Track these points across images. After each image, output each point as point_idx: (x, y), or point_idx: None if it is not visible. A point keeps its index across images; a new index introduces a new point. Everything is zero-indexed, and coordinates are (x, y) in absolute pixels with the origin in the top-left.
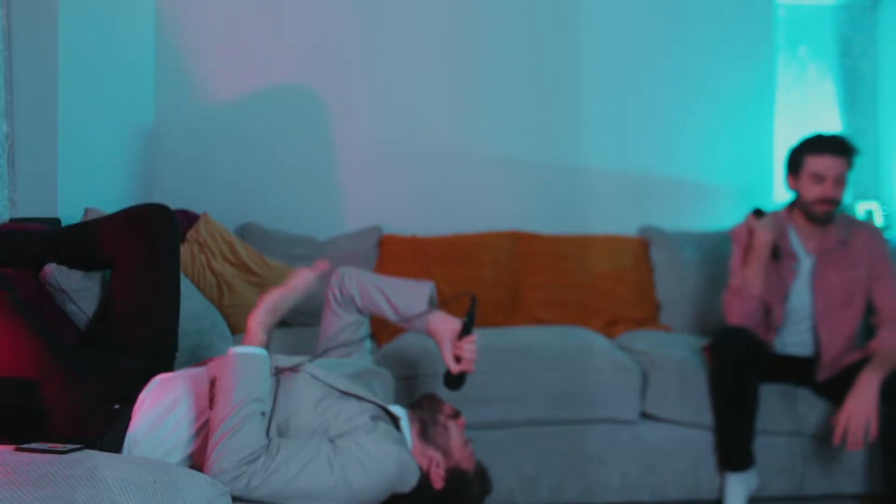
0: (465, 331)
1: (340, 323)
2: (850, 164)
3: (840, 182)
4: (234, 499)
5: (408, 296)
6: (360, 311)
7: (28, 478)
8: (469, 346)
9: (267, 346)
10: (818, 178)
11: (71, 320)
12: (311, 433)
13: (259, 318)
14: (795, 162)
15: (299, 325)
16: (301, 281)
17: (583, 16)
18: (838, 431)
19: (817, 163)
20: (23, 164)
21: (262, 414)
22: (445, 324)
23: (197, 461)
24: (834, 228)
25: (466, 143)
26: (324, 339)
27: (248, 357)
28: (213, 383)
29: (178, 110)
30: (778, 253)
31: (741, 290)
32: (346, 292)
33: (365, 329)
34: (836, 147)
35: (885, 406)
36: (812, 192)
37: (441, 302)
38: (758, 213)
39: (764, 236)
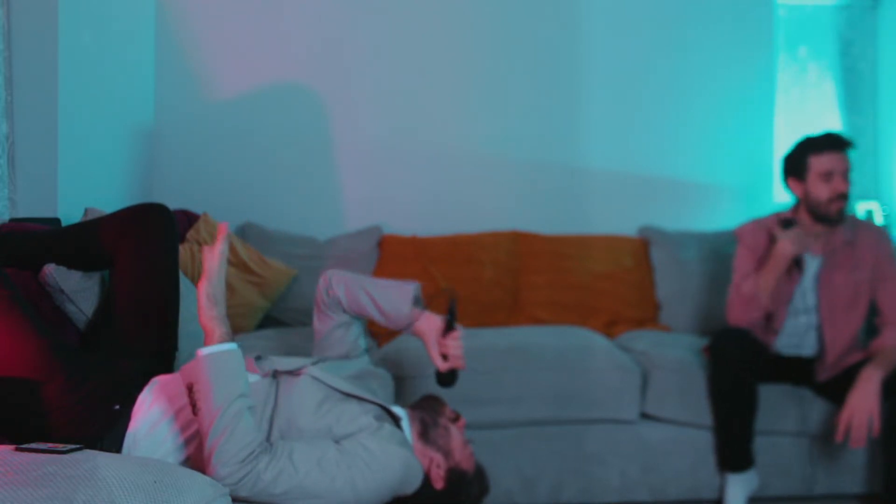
0: (449, 327)
1: (332, 322)
2: (849, 159)
3: (846, 177)
4: (239, 500)
5: (393, 297)
6: (346, 313)
7: (28, 478)
8: (454, 343)
9: (231, 338)
10: (827, 176)
11: (70, 321)
12: (313, 435)
13: (207, 315)
14: (798, 166)
15: (298, 324)
16: (214, 258)
17: (583, 16)
18: (841, 429)
19: (822, 162)
20: (23, 164)
21: (250, 408)
22: (429, 323)
23: (196, 462)
24: (840, 229)
25: (466, 143)
26: (318, 339)
27: (219, 356)
28: (190, 389)
29: (178, 110)
30: (800, 264)
31: (750, 298)
32: (333, 294)
33: (357, 327)
34: (836, 143)
35: (887, 405)
36: (823, 191)
37: (427, 302)
38: (786, 223)
39: (787, 249)
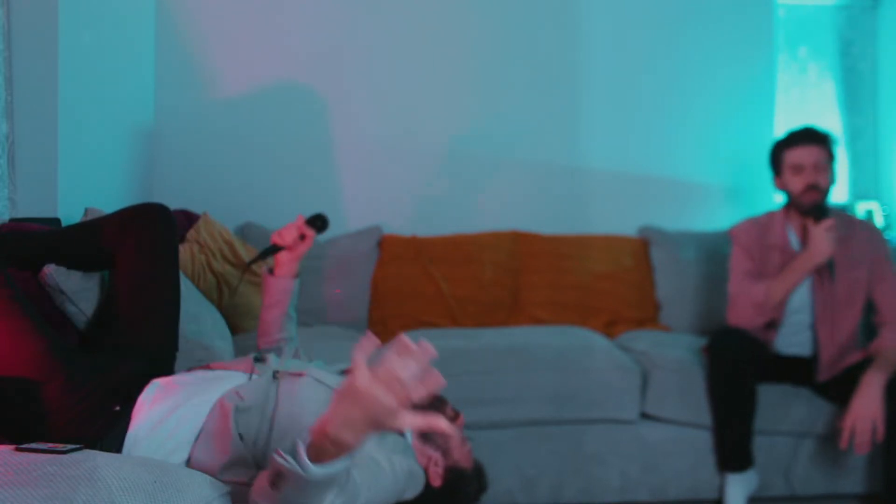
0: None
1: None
2: (828, 153)
3: (820, 169)
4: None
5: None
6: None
7: (28, 478)
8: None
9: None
10: (797, 169)
11: (70, 321)
12: None
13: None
14: (776, 162)
15: (299, 324)
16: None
17: (583, 16)
18: (845, 434)
19: (792, 155)
20: (23, 164)
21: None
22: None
23: (197, 463)
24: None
25: (466, 143)
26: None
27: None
28: (275, 480)
29: (178, 110)
30: (832, 267)
31: (760, 304)
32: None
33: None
34: (806, 136)
35: (888, 406)
36: (796, 184)
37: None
38: (817, 214)
39: (824, 251)
